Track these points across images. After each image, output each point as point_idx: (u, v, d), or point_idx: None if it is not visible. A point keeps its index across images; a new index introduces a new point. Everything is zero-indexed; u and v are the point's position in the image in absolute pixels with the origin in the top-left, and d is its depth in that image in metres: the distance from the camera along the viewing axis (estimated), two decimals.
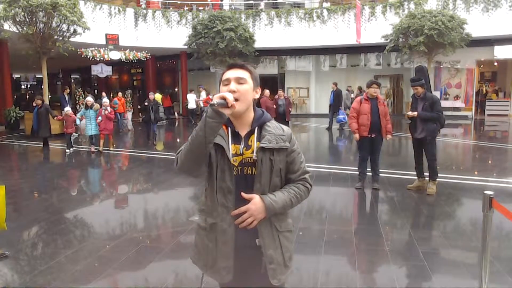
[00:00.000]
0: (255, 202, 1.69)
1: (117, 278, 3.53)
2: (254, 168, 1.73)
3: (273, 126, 1.80)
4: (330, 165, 8.33)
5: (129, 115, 16.32)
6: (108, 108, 10.34)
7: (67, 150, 10.38)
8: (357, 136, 6.12)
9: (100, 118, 10.20)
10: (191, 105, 18.00)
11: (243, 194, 1.70)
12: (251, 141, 1.75)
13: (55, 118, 11.00)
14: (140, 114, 18.54)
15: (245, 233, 1.73)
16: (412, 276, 3.51)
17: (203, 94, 17.70)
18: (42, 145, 11.06)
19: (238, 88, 1.71)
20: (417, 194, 6.01)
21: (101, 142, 10.34)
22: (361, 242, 4.20)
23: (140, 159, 9.80)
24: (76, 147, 10.96)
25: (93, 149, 10.35)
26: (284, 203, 1.75)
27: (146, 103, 11.98)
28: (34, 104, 11.01)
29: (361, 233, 4.55)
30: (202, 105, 17.17)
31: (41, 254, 4.01)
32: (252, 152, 1.73)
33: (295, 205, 1.81)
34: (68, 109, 10.84)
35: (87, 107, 10.32)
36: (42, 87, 15.30)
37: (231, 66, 1.79)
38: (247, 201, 1.71)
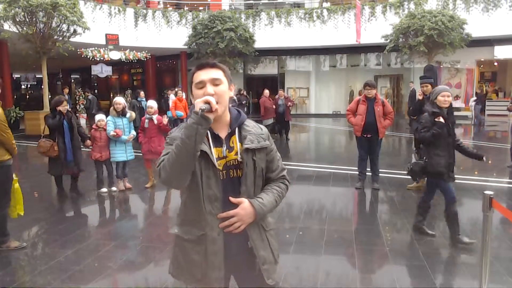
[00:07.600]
0: (244, 207, 1.64)
1: (117, 278, 3.54)
2: (239, 170, 1.68)
3: (251, 125, 1.76)
4: (330, 165, 8.33)
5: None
6: (154, 117, 6.32)
7: (103, 190, 6.24)
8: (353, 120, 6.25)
9: (133, 132, 6.30)
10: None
11: (231, 198, 1.65)
12: (232, 143, 1.70)
13: (86, 143, 6.10)
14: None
15: (235, 238, 1.68)
16: (412, 276, 3.50)
17: (171, 97, 15.35)
18: (57, 188, 6.14)
19: (215, 90, 1.63)
20: (417, 194, 6.00)
21: (150, 171, 6.58)
22: (361, 242, 4.19)
23: None
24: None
25: (124, 186, 6.40)
26: (272, 205, 1.72)
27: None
28: (58, 110, 5.74)
29: (361, 233, 4.55)
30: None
31: (41, 254, 4.01)
32: (236, 154, 1.68)
33: (278, 204, 1.80)
34: (100, 117, 6.21)
35: (118, 113, 6.15)
36: (42, 87, 15.29)
37: (202, 66, 1.69)
38: (235, 206, 1.65)
